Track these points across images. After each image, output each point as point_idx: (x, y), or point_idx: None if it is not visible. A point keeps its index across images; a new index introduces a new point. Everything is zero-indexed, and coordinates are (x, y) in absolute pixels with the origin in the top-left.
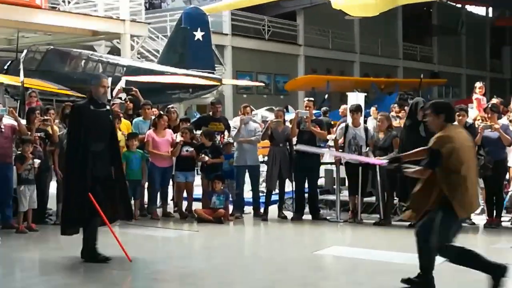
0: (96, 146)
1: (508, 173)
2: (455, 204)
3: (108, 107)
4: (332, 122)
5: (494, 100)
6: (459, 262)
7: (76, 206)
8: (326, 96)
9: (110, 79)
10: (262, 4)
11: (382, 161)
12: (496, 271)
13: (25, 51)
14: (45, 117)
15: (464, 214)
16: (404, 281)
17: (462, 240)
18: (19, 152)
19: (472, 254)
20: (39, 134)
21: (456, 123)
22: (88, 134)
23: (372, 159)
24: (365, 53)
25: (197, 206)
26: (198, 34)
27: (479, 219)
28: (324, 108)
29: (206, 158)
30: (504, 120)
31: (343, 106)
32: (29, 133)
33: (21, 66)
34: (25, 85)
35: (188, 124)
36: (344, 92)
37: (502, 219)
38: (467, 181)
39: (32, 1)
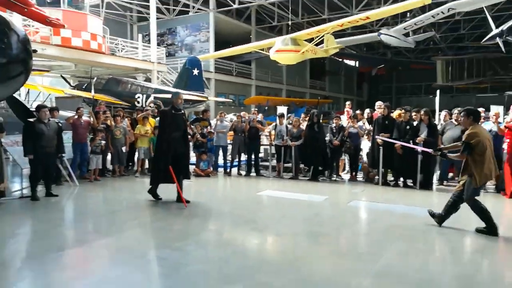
0: (175, 135)
1: (361, 151)
2: (476, 176)
3: (183, 111)
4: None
5: (357, 112)
6: (475, 211)
7: (160, 171)
8: (266, 107)
9: (144, 96)
10: (232, 55)
11: (429, 150)
12: (490, 228)
13: (95, 78)
14: (107, 115)
15: (480, 183)
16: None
17: (336, 188)
18: (91, 136)
19: (484, 209)
20: (103, 125)
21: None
22: (171, 127)
23: (423, 148)
24: (288, 84)
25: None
26: (195, 71)
27: (346, 176)
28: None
29: (199, 135)
30: (360, 123)
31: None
32: (97, 125)
33: (92, 87)
34: (95, 97)
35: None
36: (276, 105)
37: (358, 177)
38: (485, 162)
39: (99, 49)
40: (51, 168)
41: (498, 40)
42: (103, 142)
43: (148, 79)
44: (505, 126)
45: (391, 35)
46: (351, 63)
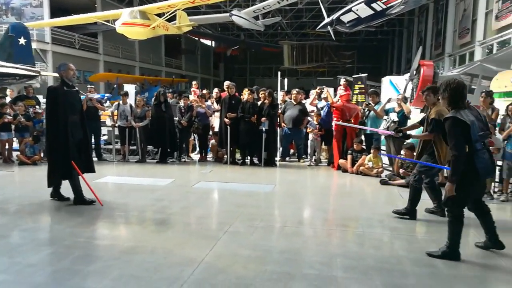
0: (72, 118)
1: (211, 131)
2: (441, 154)
3: (76, 88)
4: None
5: (204, 91)
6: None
7: (60, 165)
8: (115, 85)
9: None
10: (73, 25)
11: (390, 132)
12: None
13: None
14: None
15: (445, 161)
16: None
17: (185, 169)
18: None
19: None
20: None
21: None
22: (65, 109)
23: (387, 132)
24: (142, 61)
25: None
26: (22, 41)
27: (196, 157)
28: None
29: (22, 119)
30: (208, 102)
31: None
32: None
33: None
34: None
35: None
36: (128, 83)
37: (208, 157)
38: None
39: None
40: None
41: (329, 28)
42: None
43: None
44: (331, 105)
45: (241, 17)
46: (208, 42)
